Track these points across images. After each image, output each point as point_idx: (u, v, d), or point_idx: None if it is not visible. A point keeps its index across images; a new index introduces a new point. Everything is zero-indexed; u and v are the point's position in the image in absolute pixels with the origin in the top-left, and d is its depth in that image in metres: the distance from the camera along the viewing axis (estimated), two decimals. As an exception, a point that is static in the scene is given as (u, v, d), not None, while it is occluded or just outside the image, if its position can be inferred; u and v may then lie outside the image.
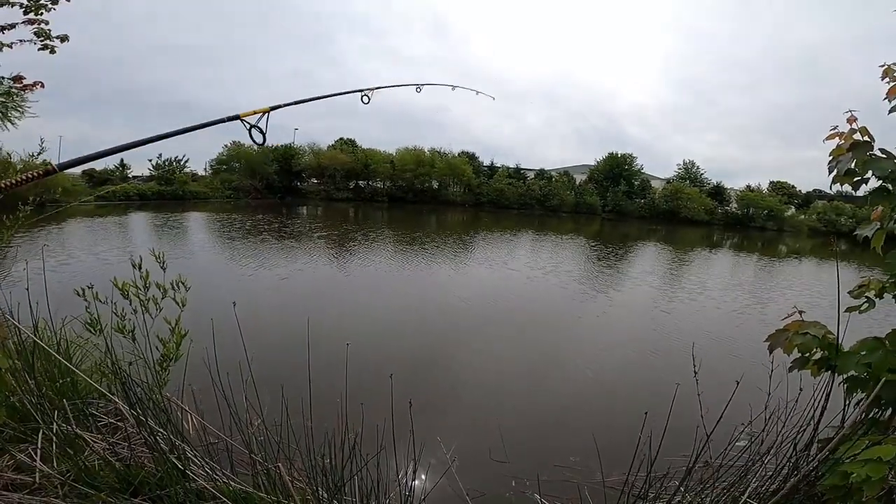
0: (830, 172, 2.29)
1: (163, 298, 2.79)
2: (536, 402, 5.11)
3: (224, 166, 35.50)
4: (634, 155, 42.06)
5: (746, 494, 1.94)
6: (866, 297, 2.32)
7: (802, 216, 37.99)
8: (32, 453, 2.02)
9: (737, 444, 2.34)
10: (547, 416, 4.75)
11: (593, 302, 10.48)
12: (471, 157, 42.26)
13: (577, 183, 42.61)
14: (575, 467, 2.83)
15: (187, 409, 2.14)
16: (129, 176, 31.02)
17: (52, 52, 2.96)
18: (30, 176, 1.13)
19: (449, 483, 2.38)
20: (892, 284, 2.22)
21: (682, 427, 2.05)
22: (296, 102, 2.04)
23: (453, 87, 3.98)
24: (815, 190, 42.02)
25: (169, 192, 29.23)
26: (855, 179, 2.22)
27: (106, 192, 23.18)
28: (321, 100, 2.30)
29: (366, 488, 1.86)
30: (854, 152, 2.14)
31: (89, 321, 2.70)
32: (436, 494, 2.23)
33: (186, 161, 32.79)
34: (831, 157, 2.29)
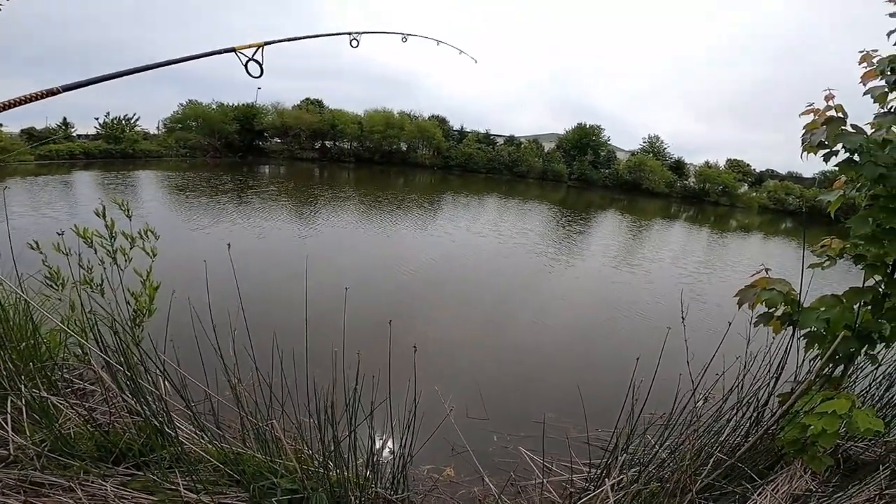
0: (803, 143, 2.47)
1: (131, 248, 2.62)
2: (509, 363, 5.27)
3: (179, 125, 33.23)
4: (602, 127, 42.68)
5: (716, 448, 2.09)
6: (827, 255, 2.51)
7: (754, 193, 39.92)
8: (3, 423, 1.89)
9: (698, 403, 2.49)
10: (520, 374, 4.92)
11: (560, 265, 10.76)
12: (441, 121, 41.63)
13: (546, 151, 42.93)
14: (552, 423, 2.97)
15: (170, 365, 2.05)
16: (74, 134, 28.47)
17: None
18: (32, 95, 1.06)
19: (436, 439, 2.44)
20: (851, 246, 2.39)
21: (644, 384, 2.16)
22: (289, 39, 2.00)
23: (438, 42, 3.92)
24: (768, 170, 44.20)
25: (118, 151, 27.20)
26: (823, 152, 2.42)
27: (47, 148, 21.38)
28: (313, 38, 2.24)
29: (362, 444, 1.88)
30: (828, 126, 2.29)
31: (48, 275, 2.52)
32: (423, 450, 2.28)
33: (137, 119, 30.36)
34: (805, 130, 2.47)
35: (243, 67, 1.62)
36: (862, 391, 2.79)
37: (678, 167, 41.73)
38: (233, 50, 1.60)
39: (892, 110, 2.17)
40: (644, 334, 6.45)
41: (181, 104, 33.48)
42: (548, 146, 43.82)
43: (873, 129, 2.23)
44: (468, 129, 43.30)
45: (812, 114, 2.42)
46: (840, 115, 2.30)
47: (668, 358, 2.34)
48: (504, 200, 24.65)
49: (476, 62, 4.69)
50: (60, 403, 2.07)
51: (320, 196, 18.80)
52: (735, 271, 12.18)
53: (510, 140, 43.31)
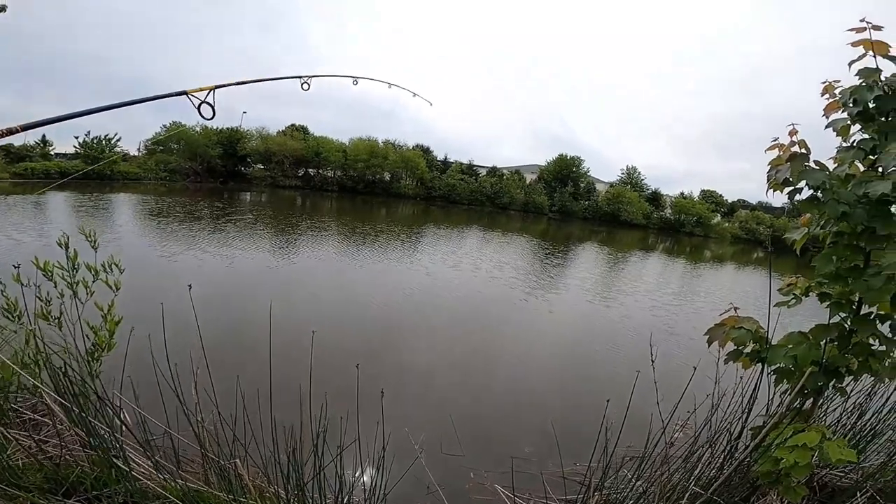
0: (769, 180, 2.41)
1: (94, 282, 2.55)
2: (484, 397, 5.18)
3: (161, 147, 32.89)
4: (582, 158, 43.84)
5: (692, 483, 2.06)
6: (793, 294, 2.55)
7: (727, 224, 41.29)
8: (-55, 452, 1.79)
9: (671, 438, 2.47)
10: (497, 410, 4.84)
11: (539, 300, 10.79)
12: (425, 151, 42.24)
13: (528, 182, 43.72)
14: (531, 458, 2.90)
15: (127, 402, 1.96)
16: (52, 153, 27.93)
17: None
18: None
19: (409, 477, 2.35)
20: (816, 284, 2.42)
21: (618, 421, 2.15)
22: (239, 83, 2.07)
23: (390, 85, 3.80)
24: (739, 200, 45.94)
25: (95, 172, 26.72)
26: (788, 189, 2.37)
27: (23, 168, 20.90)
28: (264, 82, 2.32)
29: (331, 485, 1.79)
30: (792, 163, 2.22)
31: (5, 306, 2.42)
32: (396, 489, 2.19)
33: (118, 139, 30.01)
34: (770, 167, 2.40)
35: (196, 110, 1.69)
36: (833, 421, 2.82)
37: (655, 198, 42.97)
38: (184, 93, 1.67)
39: (855, 144, 2.09)
40: (620, 368, 6.46)
41: (164, 125, 33.29)
42: (529, 177, 44.67)
43: (836, 164, 2.16)
44: (452, 160, 44.00)
45: (777, 149, 2.35)
46: (803, 150, 2.23)
47: (643, 393, 2.34)
48: (485, 233, 24.82)
49: (431, 105, 4.60)
50: (9, 434, 1.98)
51: (299, 225, 18.66)
52: (707, 302, 12.43)
53: (492, 171, 44.04)
